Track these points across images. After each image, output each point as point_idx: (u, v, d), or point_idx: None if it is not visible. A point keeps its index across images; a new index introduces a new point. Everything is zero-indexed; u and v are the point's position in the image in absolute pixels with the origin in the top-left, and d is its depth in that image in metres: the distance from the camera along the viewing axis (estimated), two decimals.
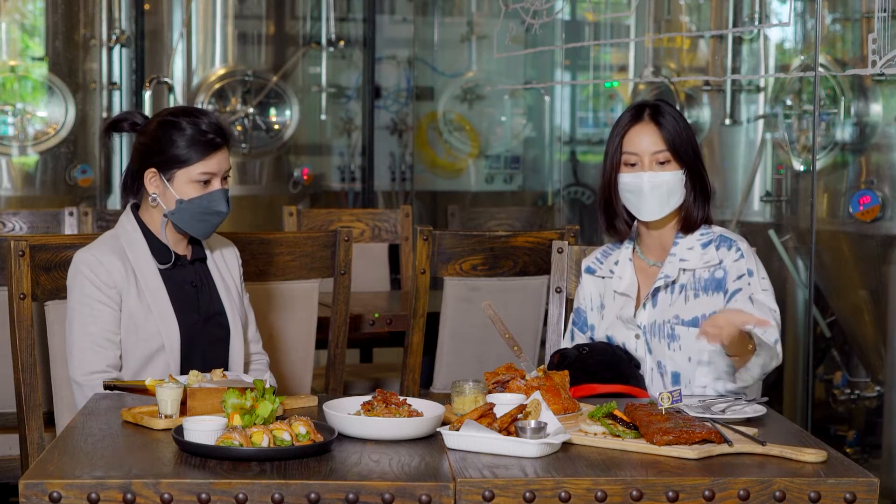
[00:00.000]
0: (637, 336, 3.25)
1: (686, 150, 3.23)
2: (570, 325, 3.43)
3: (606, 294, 3.35)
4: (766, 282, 3.22)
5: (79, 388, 3.15)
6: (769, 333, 3.12)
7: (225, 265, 3.34)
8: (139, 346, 3.17)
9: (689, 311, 3.21)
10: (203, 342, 3.23)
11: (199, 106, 6.92)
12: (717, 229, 3.27)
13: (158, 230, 3.23)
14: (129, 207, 3.28)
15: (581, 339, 3.37)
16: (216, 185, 3.20)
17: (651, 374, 3.24)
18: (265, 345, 3.51)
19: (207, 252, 3.32)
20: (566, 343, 3.42)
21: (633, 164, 3.23)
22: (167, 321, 3.18)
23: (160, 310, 3.18)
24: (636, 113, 3.25)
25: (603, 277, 3.36)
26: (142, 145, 3.24)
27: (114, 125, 3.34)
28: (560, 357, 3.25)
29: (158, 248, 3.23)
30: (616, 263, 3.34)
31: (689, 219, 3.26)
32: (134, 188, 3.26)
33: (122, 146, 6.80)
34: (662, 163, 3.21)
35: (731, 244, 3.23)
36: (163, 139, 3.19)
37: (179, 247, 3.27)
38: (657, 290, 3.25)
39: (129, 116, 3.34)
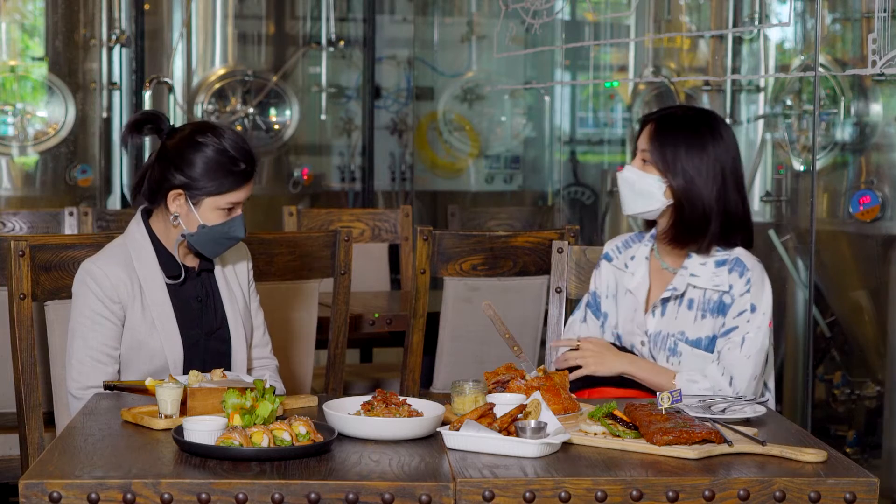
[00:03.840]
0: (643, 343, 3.25)
1: (674, 164, 3.17)
2: (583, 306, 3.39)
3: (620, 287, 3.34)
4: (766, 317, 3.15)
5: (75, 401, 3.12)
6: (709, 373, 3.14)
7: (234, 273, 3.29)
8: (141, 363, 3.14)
9: (695, 331, 3.20)
10: (205, 357, 3.19)
11: (200, 106, 6.92)
12: (737, 251, 3.20)
13: (170, 242, 3.17)
14: (139, 213, 3.19)
15: (594, 323, 3.36)
16: (238, 211, 3.15)
17: None
18: None
19: (216, 260, 3.25)
20: (577, 320, 3.39)
21: (635, 158, 3.27)
22: (172, 339, 3.14)
23: (165, 328, 3.14)
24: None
25: (618, 269, 3.36)
26: (170, 161, 3.10)
27: (137, 126, 3.15)
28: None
29: (167, 260, 3.17)
30: (632, 258, 3.33)
31: (668, 234, 3.22)
32: (153, 199, 3.14)
33: (121, 148, 6.79)
34: (644, 161, 3.22)
35: (742, 271, 3.17)
36: (195, 163, 3.07)
37: (188, 258, 3.21)
38: (666, 300, 3.23)
39: (153, 120, 3.16)
